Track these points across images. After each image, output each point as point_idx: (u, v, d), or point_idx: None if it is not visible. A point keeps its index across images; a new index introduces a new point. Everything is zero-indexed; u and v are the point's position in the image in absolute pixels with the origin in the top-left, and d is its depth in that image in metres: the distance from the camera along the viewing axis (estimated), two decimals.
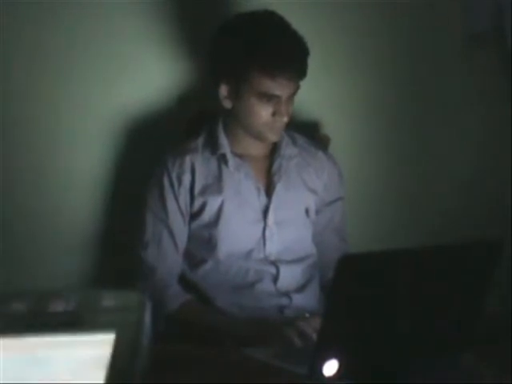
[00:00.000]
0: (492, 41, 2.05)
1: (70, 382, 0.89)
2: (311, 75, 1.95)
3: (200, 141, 1.80)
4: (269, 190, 1.79)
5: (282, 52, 1.67)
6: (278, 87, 1.67)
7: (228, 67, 1.72)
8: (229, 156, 1.76)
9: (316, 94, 2.02)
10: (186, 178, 1.75)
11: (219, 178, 1.76)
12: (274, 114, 1.70)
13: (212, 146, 1.79)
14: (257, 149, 1.80)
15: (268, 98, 1.68)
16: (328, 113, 2.05)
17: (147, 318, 0.91)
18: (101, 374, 0.89)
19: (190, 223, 1.77)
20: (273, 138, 1.75)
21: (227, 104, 1.74)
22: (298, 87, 1.72)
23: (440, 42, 2.07)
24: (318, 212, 1.85)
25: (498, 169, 2.13)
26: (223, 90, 1.73)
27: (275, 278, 1.75)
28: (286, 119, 1.70)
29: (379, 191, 2.13)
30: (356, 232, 1.98)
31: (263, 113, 1.70)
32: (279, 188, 1.78)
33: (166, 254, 1.76)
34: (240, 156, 1.78)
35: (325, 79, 2.03)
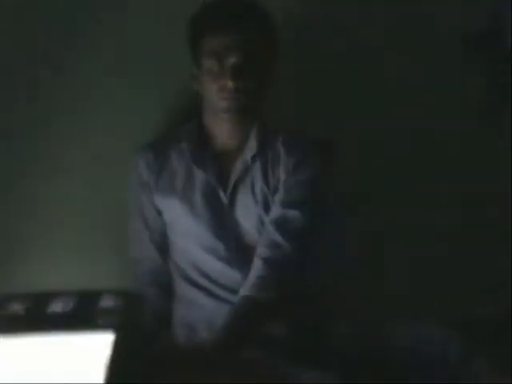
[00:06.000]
0: (491, 41, 2.06)
1: (69, 382, 0.90)
2: (311, 75, 1.95)
3: (180, 133, 1.78)
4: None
5: (223, 9, 1.66)
6: (220, 44, 1.64)
7: (190, 42, 1.71)
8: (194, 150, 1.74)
9: (315, 94, 2.01)
10: (161, 172, 1.75)
11: (190, 172, 1.74)
12: (221, 77, 1.65)
13: (185, 135, 1.76)
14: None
15: (216, 59, 1.65)
16: (328, 113, 2.04)
17: (146, 318, 0.91)
18: (100, 374, 0.89)
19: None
20: (225, 109, 1.68)
21: (196, 85, 1.72)
22: (249, 56, 1.65)
23: (440, 43, 2.07)
24: None
25: (497, 167, 2.13)
26: (193, 71, 1.72)
27: None
28: (230, 83, 1.63)
29: (379, 191, 2.13)
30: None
31: (214, 76, 1.66)
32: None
33: (146, 248, 1.77)
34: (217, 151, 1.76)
35: (324, 80, 2.03)
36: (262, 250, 1.65)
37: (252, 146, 1.73)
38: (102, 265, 1.91)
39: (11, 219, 1.90)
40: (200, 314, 1.69)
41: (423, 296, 1.97)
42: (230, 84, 1.64)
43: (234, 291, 1.66)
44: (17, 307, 0.97)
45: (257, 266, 1.63)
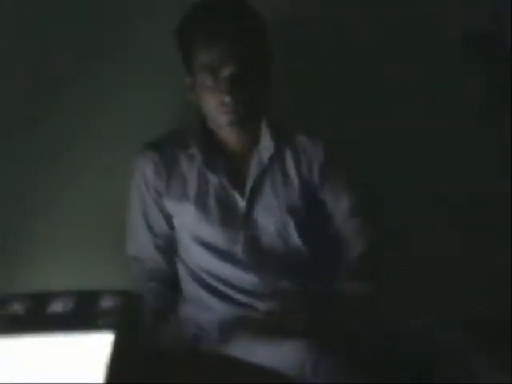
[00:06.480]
0: (491, 41, 2.06)
1: (69, 382, 0.90)
2: (311, 75, 1.95)
3: (186, 137, 1.73)
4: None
5: (210, 18, 1.60)
6: (213, 57, 1.58)
7: (182, 53, 1.66)
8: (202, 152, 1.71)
9: (315, 94, 2.02)
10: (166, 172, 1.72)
11: (203, 178, 1.71)
12: (217, 91, 1.60)
13: (193, 141, 1.72)
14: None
15: (209, 72, 1.59)
16: (328, 113, 2.05)
17: (146, 318, 0.91)
18: (100, 374, 0.89)
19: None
20: (227, 123, 1.64)
21: (192, 97, 1.67)
22: (243, 63, 1.59)
23: (440, 43, 2.07)
24: None
25: (497, 167, 2.13)
26: (187, 81, 1.67)
27: None
28: (227, 99, 1.59)
29: (379, 191, 2.13)
30: None
31: (209, 91, 1.61)
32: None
33: (148, 251, 1.75)
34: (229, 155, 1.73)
35: (324, 80, 2.03)
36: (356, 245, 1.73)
37: (268, 146, 1.70)
38: (102, 265, 1.91)
39: (11, 220, 1.91)
40: (212, 315, 1.66)
41: (423, 296, 1.97)
42: (227, 99, 1.60)
43: (250, 294, 1.64)
44: (17, 307, 0.97)
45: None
